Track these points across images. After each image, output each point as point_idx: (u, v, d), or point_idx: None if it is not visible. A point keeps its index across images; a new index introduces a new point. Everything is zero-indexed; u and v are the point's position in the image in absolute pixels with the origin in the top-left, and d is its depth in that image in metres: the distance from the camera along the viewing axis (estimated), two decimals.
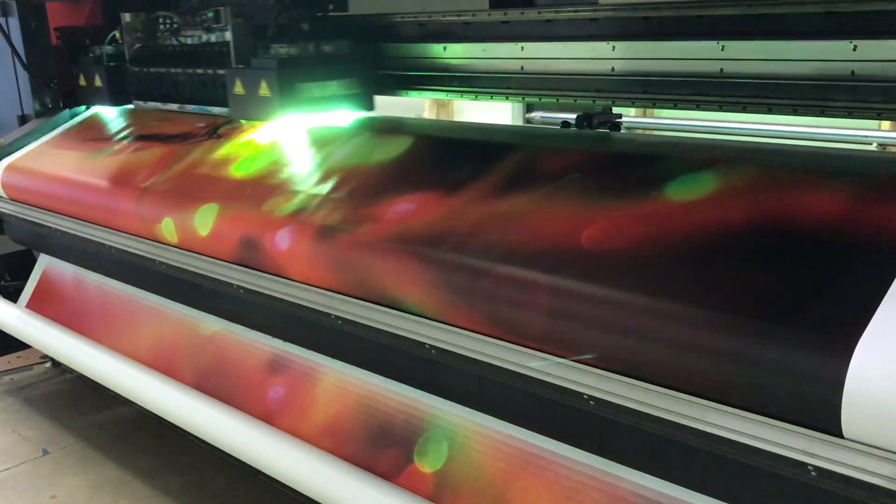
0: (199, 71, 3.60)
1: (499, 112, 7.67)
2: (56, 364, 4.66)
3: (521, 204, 2.24)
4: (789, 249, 1.75)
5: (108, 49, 4.04)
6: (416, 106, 7.94)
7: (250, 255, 2.72)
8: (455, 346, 2.15)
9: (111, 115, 4.22)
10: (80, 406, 4.18)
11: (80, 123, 4.26)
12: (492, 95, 3.23)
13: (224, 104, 3.43)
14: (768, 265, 1.74)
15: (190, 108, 3.69)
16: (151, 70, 3.90)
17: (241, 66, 3.33)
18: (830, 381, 1.49)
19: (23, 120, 4.45)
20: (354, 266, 2.39)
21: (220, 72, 3.44)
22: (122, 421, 4.00)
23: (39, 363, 4.70)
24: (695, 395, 1.71)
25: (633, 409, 1.80)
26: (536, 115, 6.83)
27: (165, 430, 3.82)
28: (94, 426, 3.96)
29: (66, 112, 4.37)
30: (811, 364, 1.53)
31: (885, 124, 5.40)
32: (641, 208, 2.03)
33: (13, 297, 4.34)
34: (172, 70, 3.77)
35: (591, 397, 1.87)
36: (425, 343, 2.22)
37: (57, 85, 4.44)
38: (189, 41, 3.66)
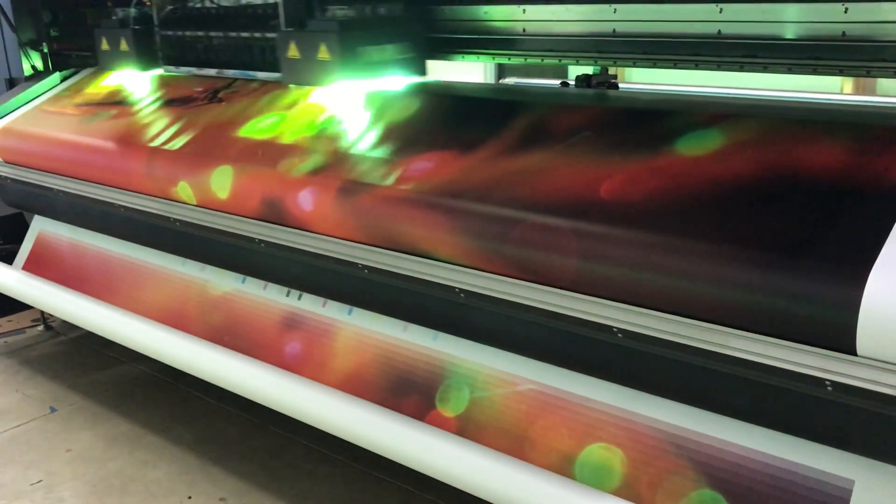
0: (245, 34, 3.47)
1: (470, 75, 7.77)
2: (49, 327, 4.71)
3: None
4: (805, 189, 1.93)
5: (134, 11, 3.85)
6: None
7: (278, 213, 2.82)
8: (485, 289, 2.30)
9: (103, 79, 4.25)
10: (80, 366, 4.25)
11: (73, 86, 4.26)
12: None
13: (270, 68, 3.34)
14: (787, 204, 1.92)
15: (230, 72, 3.62)
16: (186, 34, 3.75)
17: (293, 28, 3.19)
18: (847, 305, 1.68)
19: (11, 83, 4.43)
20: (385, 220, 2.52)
21: (268, 35, 3.34)
22: (125, 379, 4.09)
23: (32, 326, 4.74)
24: (720, 324, 1.89)
25: (662, 339, 1.97)
26: (510, 80, 6.93)
27: (170, 385, 3.93)
28: (98, 384, 4.04)
29: (57, 74, 4.37)
30: (829, 290, 1.72)
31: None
32: (669, 156, 2.20)
33: (6, 260, 4.35)
34: (211, 34, 3.63)
35: (619, 329, 2.05)
36: (455, 287, 2.37)
37: (45, 47, 4.43)
38: (228, 3, 3.53)
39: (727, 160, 2.11)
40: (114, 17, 3.95)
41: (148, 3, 3.84)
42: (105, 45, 3.97)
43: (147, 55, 3.87)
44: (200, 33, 3.71)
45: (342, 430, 2.66)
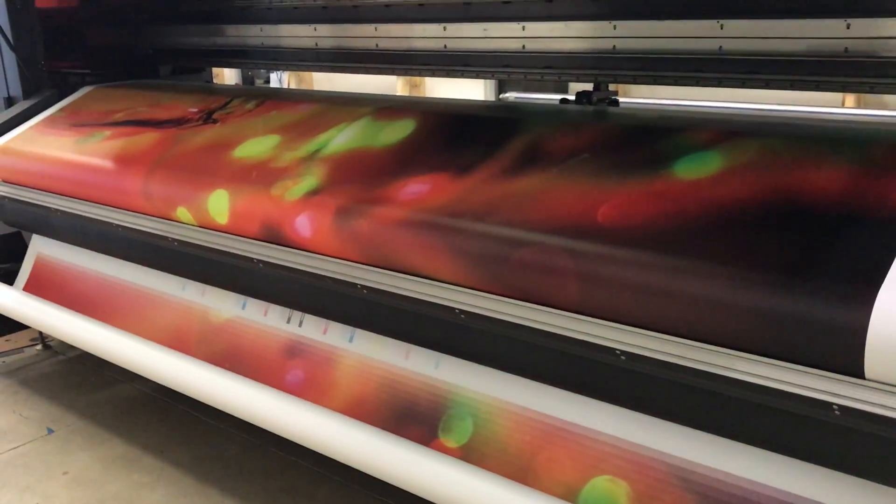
0: None
1: (471, 91, 7.78)
2: (47, 346, 4.68)
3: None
4: (811, 210, 1.90)
5: None
6: (389, 85, 8.02)
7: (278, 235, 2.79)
8: (486, 310, 2.27)
9: (102, 96, 4.24)
10: (77, 386, 4.21)
11: (71, 105, 4.25)
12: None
13: None
14: (793, 225, 1.89)
15: None
16: None
17: None
18: (855, 327, 1.65)
19: (9, 101, 4.42)
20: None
21: None
22: (123, 399, 4.06)
23: (30, 346, 4.70)
24: (725, 346, 1.85)
25: (666, 362, 1.94)
26: (510, 94, 6.95)
27: (168, 405, 3.89)
28: (96, 404, 4.01)
29: (55, 93, 4.36)
30: (837, 313, 1.69)
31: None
32: (671, 177, 2.18)
33: (5, 280, 4.32)
34: None
35: (623, 352, 2.02)
36: (456, 308, 2.34)
37: (44, 66, 4.42)
38: None
39: (731, 181, 2.08)
40: None
41: None
42: None
43: None
44: None
45: (344, 455, 2.63)
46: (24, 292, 4.13)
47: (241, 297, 3.27)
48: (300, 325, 3.06)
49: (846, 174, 1.96)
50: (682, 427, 2.11)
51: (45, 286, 4.14)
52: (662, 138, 2.37)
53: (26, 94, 4.37)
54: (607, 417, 2.26)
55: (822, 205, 1.91)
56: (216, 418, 3.64)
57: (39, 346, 4.68)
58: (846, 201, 1.89)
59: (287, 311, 3.12)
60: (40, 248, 4.25)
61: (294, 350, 3.05)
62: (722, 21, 2.68)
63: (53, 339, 4.63)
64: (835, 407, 1.73)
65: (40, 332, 4.61)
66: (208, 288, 3.39)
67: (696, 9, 2.75)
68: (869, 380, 1.67)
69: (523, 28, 3.16)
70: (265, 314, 3.17)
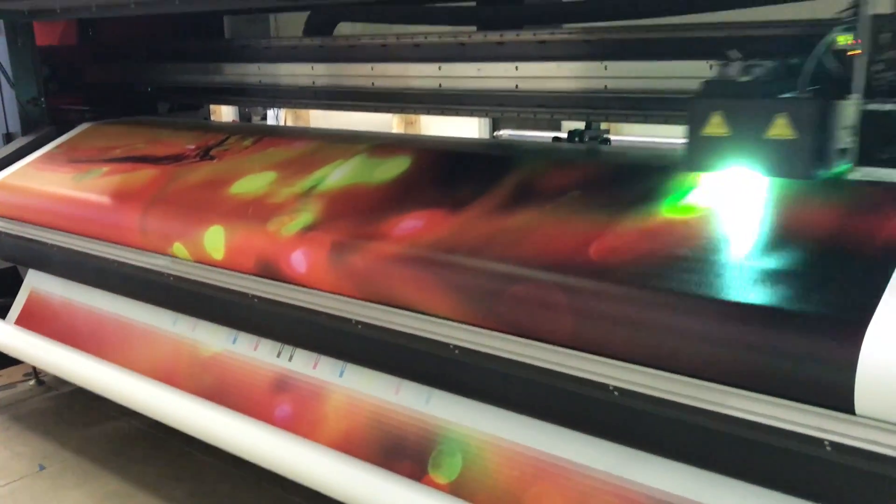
0: None
1: (465, 129, 7.85)
2: (40, 381, 4.66)
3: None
4: (802, 248, 1.94)
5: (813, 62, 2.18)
6: (385, 123, 8.09)
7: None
8: (480, 345, 2.28)
9: (100, 133, 4.28)
10: (70, 422, 4.20)
11: (69, 141, 4.29)
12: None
13: None
14: (784, 262, 1.92)
15: None
16: None
17: None
18: (845, 364, 1.67)
19: (8, 137, 4.46)
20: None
21: None
22: (116, 435, 4.04)
23: (23, 381, 4.69)
24: (717, 382, 1.87)
25: (658, 398, 1.96)
26: (504, 132, 7.02)
27: (162, 441, 3.88)
28: (89, 440, 3.99)
29: (54, 129, 4.40)
30: (827, 349, 1.71)
31: None
32: (661, 214, 2.21)
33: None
34: None
35: (616, 388, 2.03)
36: (450, 343, 2.35)
37: (44, 102, 4.47)
38: None
39: (720, 218, 2.12)
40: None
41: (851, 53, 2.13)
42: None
43: None
44: None
45: (334, 490, 2.62)
46: (17, 326, 4.12)
47: (233, 332, 3.28)
48: (290, 359, 3.06)
49: (835, 213, 2.00)
50: (674, 462, 2.11)
51: (37, 320, 4.13)
52: (652, 176, 2.41)
53: (25, 131, 4.41)
54: (598, 453, 2.26)
55: (811, 243, 1.94)
56: (210, 454, 3.62)
57: (33, 382, 4.67)
58: (837, 238, 1.92)
59: (278, 345, 3.12)
60: (34, 283, 4.26)
61: (284, 384, 3.05)
62: (712, 62, 2.73)
63: (47, 374, 4.62)
64: (826, 443, 1.74)
65: (34, 368, 4.60)
66: (199, 322, 3.40)
67: (685, 50, 2.80)
68: (860, 416, 1.69)
69: (516, 68, 3.21)
70: (255, 349, 3.17)
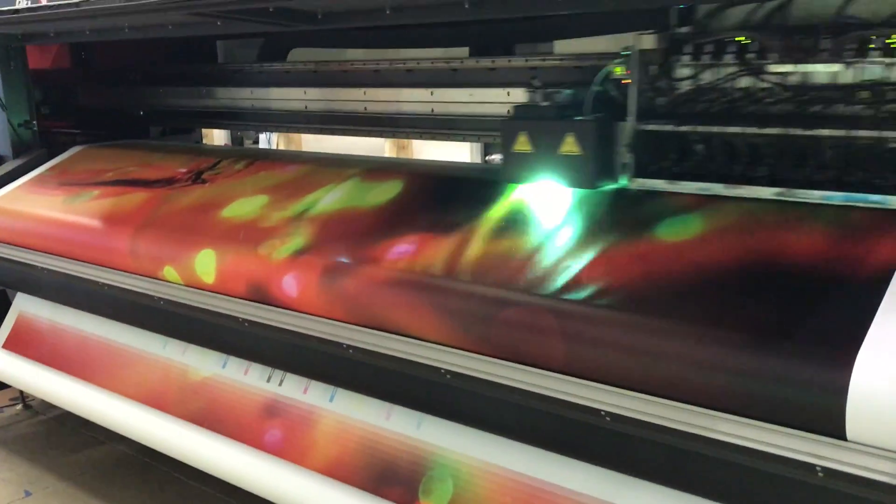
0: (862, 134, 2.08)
1: (457, 153, 7.91)
2: (28, 406, 4.62)
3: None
4: (792, 273, 1.95)
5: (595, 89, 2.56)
6: (377, 147, 8.14)
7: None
8: (471, 370, 2.28)
9: (92, 156, 4.28)
10: (57, 447, 4.15)
11: (60, 164, 4.29)
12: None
13: None
14: (774, 288, 1.93)
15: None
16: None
17: None
18: (836, 389, 1.67)
19: None
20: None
21: None
22: (104, 460, 4.00)
23: (10, 405, 4.64)
24: (708, 407, 1.87)
25: (649, 423, 1.95)
26: (496, 156, 7.05)
27: (149, 466, 3.84)
28: (76, 466, 3.94)
29: (45, 152, 4.39)
30: (818, 374, 1.71)
31: None
32: (654, 240, 2.22)
33: None
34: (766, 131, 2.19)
35: (608, 413, 2.02)
36: (441, 368, 2.35)
37: (35, 125, 4.47)
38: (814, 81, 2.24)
39: (714, 243, 2.13)
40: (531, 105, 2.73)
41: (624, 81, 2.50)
42: (569, 148, 2.47)
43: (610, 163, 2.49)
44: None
45: None
46: (4, 350, 4.09)
47: (223, 356, 3.26)
48: (280, 384, 3.05)
49: (825, 238, 2.01)
50: (665, 488, 2.10)
51: (24, 344, 4.11)
52: (644, 201, 2.42)
53: (16, 154, 4.40)
54: (590, 478, 2.25)
55: (801, 269, 1.95)
56: (197, 479, 3.58)
57: (20, 406, 4.63)
58: (824, 266, 1.93)
59: (268, 369, 3.11)
60: (22, 306, 4.23)
61: (274, 409, 3.03)
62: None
63: (34, 398, 4.58)
64: (818, 468, 1.74)
65: (21, 392, 4.56)
66: (189, 346, 3.38)
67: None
68: (851, 441, 1.69)
69: (508, 94, 3.23)
70: (246, 373, 3.15)
